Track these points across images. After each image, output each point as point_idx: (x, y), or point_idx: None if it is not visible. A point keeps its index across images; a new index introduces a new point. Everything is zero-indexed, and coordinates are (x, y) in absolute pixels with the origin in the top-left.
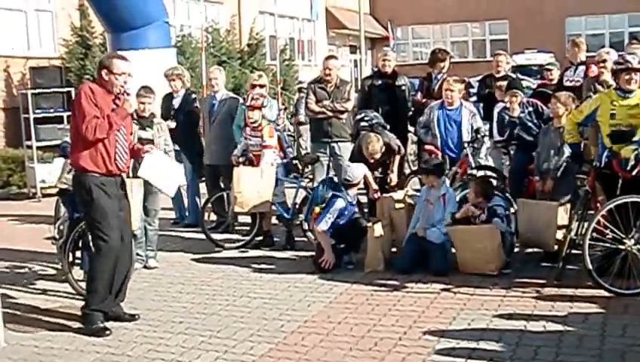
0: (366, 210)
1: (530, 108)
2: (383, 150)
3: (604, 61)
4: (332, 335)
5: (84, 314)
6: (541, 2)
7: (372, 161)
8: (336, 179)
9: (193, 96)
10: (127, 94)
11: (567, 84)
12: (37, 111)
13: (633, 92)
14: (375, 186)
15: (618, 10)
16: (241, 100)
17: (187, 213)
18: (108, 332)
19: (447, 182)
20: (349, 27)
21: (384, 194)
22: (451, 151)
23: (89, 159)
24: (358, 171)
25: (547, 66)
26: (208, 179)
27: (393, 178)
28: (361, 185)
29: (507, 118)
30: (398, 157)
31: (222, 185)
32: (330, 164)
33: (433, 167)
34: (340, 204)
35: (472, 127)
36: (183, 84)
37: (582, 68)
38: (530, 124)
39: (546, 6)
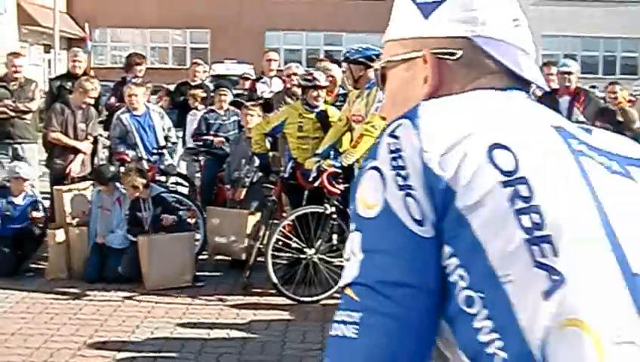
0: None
1: (235, 118)
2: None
3: (295, 74)
4: (3, 347)
5: None
6: (241, 14)
7: (84, 105)
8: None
9: None
10: None
11: (266, 95)
12: None
13: (319, 107)
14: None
15: (315, 28)
16: None
17: None
18: None
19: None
20: (43, 24)
21: (63, 188)
22: (152, 156)
23: None
24: (27, 170)
25: (245, 75)
26: None
27: (74, 168)
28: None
29: (214, 121)
30: (87, 142)
31: None
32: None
33: (108, 177)
34: None
35: (163, 129)
36: None
37: (275, 80)
38: (232, 131)
39: (245, 18)
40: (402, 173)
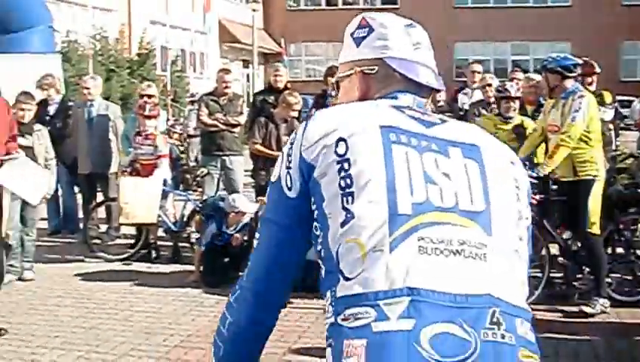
0: None
1: None
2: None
3: (489, 85)
4: None
5: None
6: (430, 26)
7: (288, 118)
8: (221, 203)
9: (70, 103)
10: None
11: (467, 107)
12: None
13: (513, 118)
14: None
15: (502, 38)
16: (112, 110)
17: (63, 223)
18: None
19: None
20: (242, 41)
21: (262, 198)
22: None
23: None
24: (243, 201)
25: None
26: (85, 189)
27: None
28: None
29: None
30: None
31: (101, 195)
32: (221, 178)
33: None
34: (212, 228)
35: None
36: (56, 91)
37: (477, 91)
38: None
39: (435, 30)
40: (290, 158)
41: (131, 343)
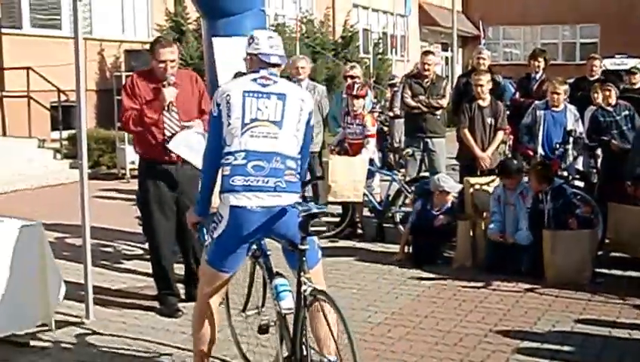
0: None
1: (626, 112)
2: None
3: None
4: (418, 328)
5: (157, 295)
6: (633, 7)
7: (484, 98)
8: (430, 185)
9: None
10: (169, 83)
11: None
12: None
13: None
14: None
15: None
16: (319, 90)
17: None
18: (180, 313)
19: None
20: (441, 24)
21: (471, 179)
22: (552, 153)
23: (141, 145)
24: (449, 181)
25: (632, 70)
26: None
27: (487, 154)
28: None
29: (603, 119)
30: (500, 134)
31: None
32: (425, 159)
33: (514, 170)
34: (417, 208)
35: (575, 131)
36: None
37: None
38: (624, 128)
39: (638, 11)
40: (214, 100)
41: None
